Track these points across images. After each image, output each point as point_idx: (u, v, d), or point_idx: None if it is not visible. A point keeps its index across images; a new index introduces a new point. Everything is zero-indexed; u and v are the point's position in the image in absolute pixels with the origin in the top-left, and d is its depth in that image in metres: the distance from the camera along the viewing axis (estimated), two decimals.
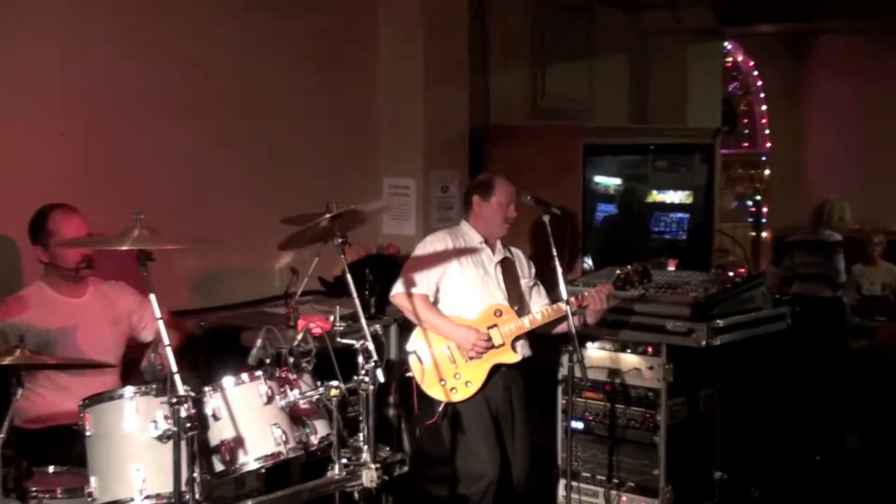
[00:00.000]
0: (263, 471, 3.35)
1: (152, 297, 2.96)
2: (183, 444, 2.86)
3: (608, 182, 7.19)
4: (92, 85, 4.61)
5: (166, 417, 2.89)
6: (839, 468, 5.74)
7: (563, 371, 4.76)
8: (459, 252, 4.37)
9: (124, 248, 2.98)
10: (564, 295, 4.20)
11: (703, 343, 4.56)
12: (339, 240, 3.56)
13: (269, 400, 3.22)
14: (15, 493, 3.08)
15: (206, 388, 3.18)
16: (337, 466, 3.29)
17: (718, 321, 4.62)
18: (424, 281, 4.31)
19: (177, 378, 2.86)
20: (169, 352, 2.92)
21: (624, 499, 4.77)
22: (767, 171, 9.60)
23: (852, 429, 6.19)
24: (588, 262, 6.43)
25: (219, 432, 3.15)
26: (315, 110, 5.60)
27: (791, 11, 7.73)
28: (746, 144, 9.71)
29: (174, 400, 2.85)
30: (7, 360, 3.12)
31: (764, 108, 9.69)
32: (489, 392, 4.30)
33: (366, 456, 3.31)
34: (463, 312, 4.32)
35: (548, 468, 4.91)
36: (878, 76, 9.48)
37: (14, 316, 3.80)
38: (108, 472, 3.04)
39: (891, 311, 7.25)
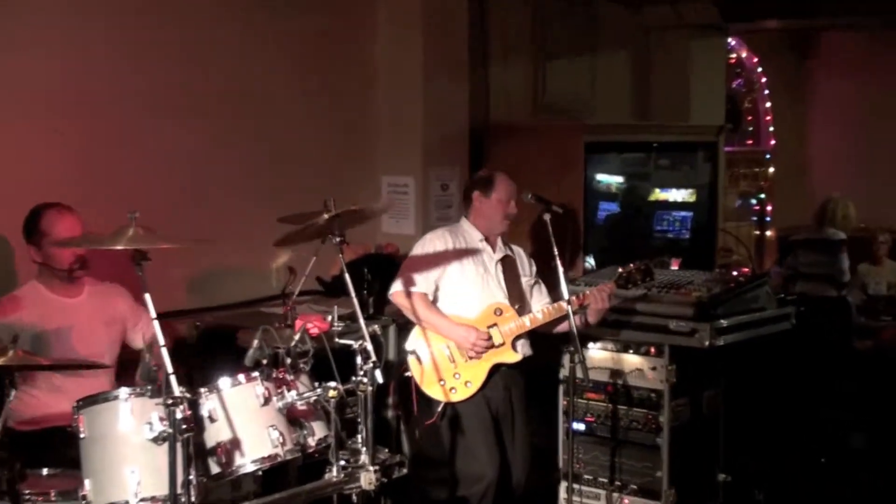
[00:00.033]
0: (260, 473, 3.32)
1: (147, 297, 2.93)
2: (178, 446, 2.85)
3: (610, 180, 7.15)
4: (90, 84, 4.59)
5: (162, 419, 2.87)
6: (844, 469, 5.71)
7: (564, 371, 4.73)
8: (459, 250, 4.34)
9: (119, 247, 2.97)
10: (566, 294, 4.16)
11: (707, 343, 4.52)
12: (337, 239, 3.53)
13: (266, 401, 3.21)
14: (8, 496, 3.06)
15: (202, 390, 3.16)
16: (335, 468, 3.27)
17: (722, 321, 4.58)
18: (424, 279, 4.28)
19: (172, 379, 2.84)
20: (164, 352, 2.89)
21: (626, 501, 4.73)
22: (772, 169, 9.54)
23: (858, 429, 6.15)
24: (590, 262, 6.39)
25: (215, 434, 3.13)
26: (314, 109, 5.58)
27: (795, 7, 7.69)
28: (750, 142, 9.63)
29: (170, 401, 2.83)
30: (0, 361, 3.08)
31: (768, 104, 9.63)
32: (489, 392, 4.27)
33: (364, 458, 3.30)
34: (463, 311, 4.28)
35: (549, 470, 4.88)
36: (883, 73, 9.44)
37: (8, 315, 3.79)
38: (102, 475, 3.02)
39: None
